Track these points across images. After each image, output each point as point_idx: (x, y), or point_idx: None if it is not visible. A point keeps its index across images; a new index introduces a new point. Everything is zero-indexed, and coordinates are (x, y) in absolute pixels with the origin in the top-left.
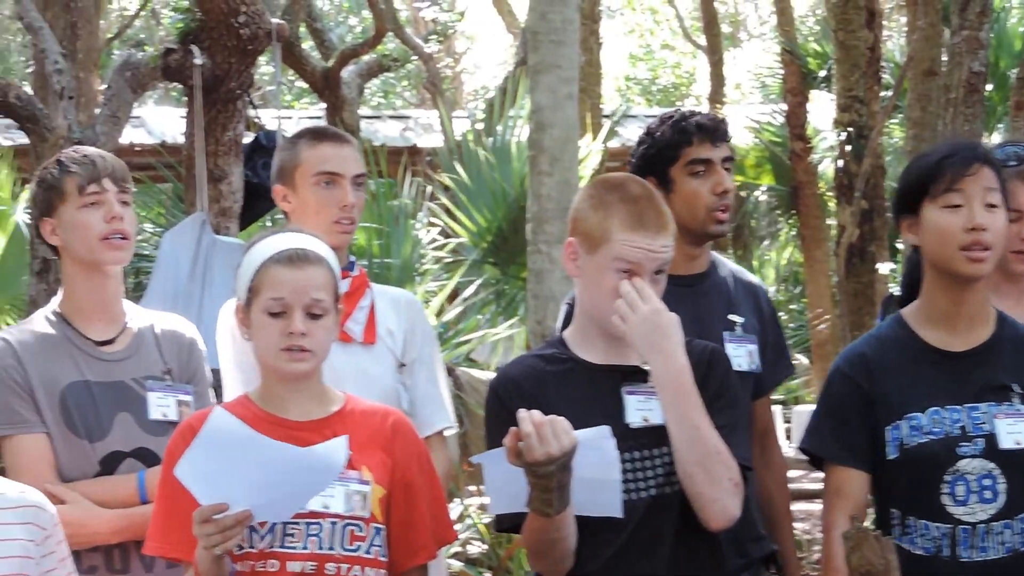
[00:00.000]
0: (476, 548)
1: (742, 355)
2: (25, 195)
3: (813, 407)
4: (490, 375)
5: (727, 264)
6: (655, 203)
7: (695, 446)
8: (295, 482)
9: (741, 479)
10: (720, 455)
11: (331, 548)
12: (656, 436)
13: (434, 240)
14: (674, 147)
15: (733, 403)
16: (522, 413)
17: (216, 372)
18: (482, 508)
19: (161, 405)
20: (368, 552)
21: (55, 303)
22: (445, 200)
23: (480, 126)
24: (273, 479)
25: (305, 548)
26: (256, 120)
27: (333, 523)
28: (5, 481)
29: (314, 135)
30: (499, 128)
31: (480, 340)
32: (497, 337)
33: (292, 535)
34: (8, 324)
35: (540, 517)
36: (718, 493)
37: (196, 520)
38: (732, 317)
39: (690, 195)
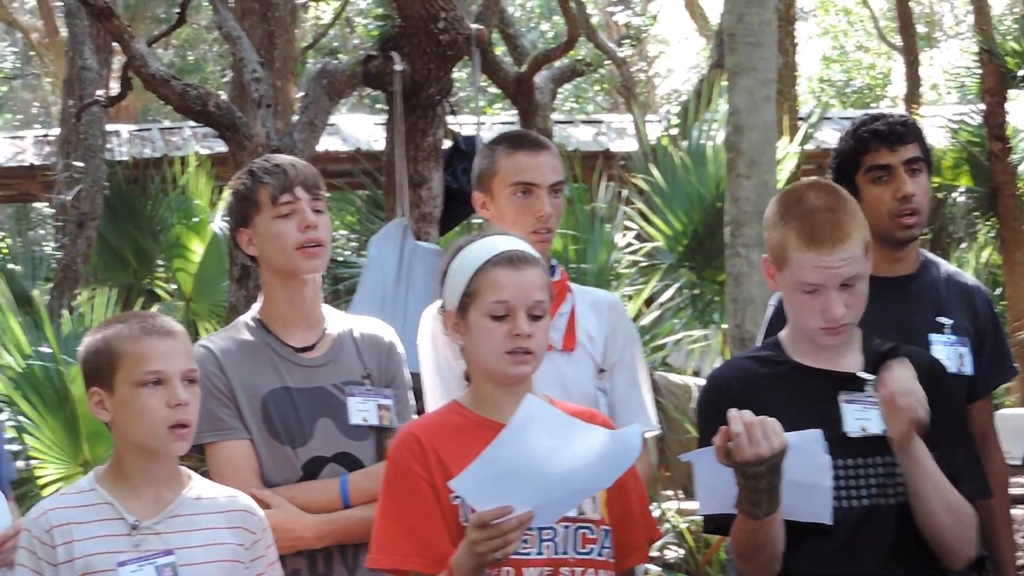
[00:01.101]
0: (674, 553)
1: (951, 357)
2: (223, 203)
3: (1017, 411)
4: (687, 380)
5: (943, 266)
6: (834, 214)
7: (942, 503)
8: (587, 475)
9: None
10: (963, 508)
11: (565, 552)
12: (872, 446)
13: (629, 244)
14: (854, 155)
15: (960, 424)
16: (732, 412)
17: (416, 376)
18: (680, 512)
19: (362, 410)
20: (600, 554)
21: (255, 310)
22: (640, 204)
23: (675, 130)
24: (570, 470)
25: (540, 553)
26: (455, 126)
27: (566, 527)
28: (215, 485)
29: (511, 143)
30: (694, 131)
31: (676, 345)
32: (693, 342)
33: (526, 541)
34: (208, 330)
35: (749, 519)
36: (963, 544)
37: (475, 525)
38: (940, 319)
39: (874, 202)
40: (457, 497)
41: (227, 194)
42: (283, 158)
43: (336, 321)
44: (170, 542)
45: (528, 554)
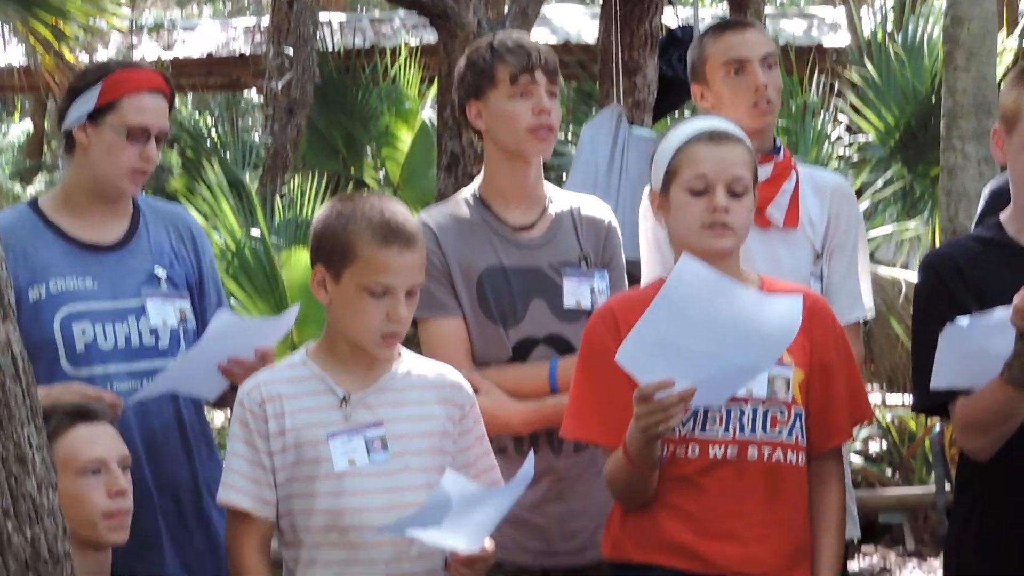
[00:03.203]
0: (877, 446)
1: None
2: (432, 93)
3: None
4: (895, 274)
5: None
6: None
7: None
8: (748, 345)
9: None
10: None
11: (753, 432)
12: None
13: (840, 138)
14: None
15: None
16: None
17: (630, 262)
18: (885, 405)
19: (576, 292)
20: (789, 436)
21: (475, 185)
22: (852, 98)
23: (890, 24)
24: (729, 340)
25: (727, 433)
26: (671, 15)
27: (755, 408)
28: (426, 361)
29: (718, 27)
30: (910, 25)
31: (886, 238)
32: (903, 236)
33: (713, 420)
34: None
35: (1011, 389)
36: None
37: (637, 399)
38: None
39: None
40: None
41: (461, 64)
42: (527, 38)
43: (559, 199)
44: (379, 414)
45: (715, 433)
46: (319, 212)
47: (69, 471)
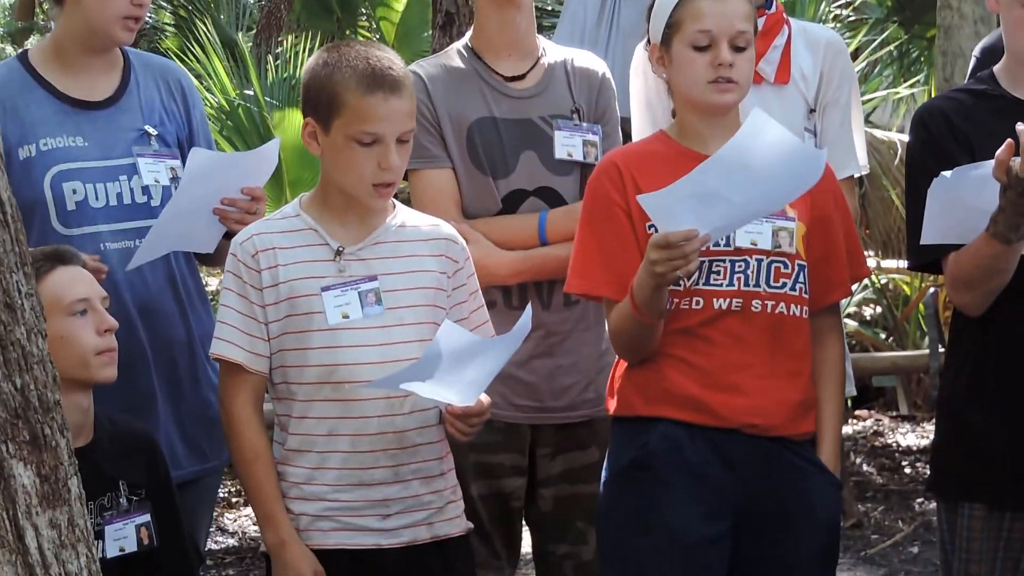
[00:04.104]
0: (871, 310)
1: None
2: None
3: None
4: (891, 136)
5: None
6: None
7: None
8: (774, 196)
9: None
10: None
11: (757, 285)
12: None
13: None
14: None
15: None
16: (1021, 127)
17: (622, 119)
18: (880, 269)
19: (567, 144)
20: (793, 289)
21: (467, 37)
22: None
23: None
24: (764, 191)
25: (731, 285)
26: None
27: (759, 260)
28: (418, 214)
29: None
30: None
31: (882, 101)
32: (899, 98)
33: (718, 272)
34: None
35: (997, 243)
36: None
37: (656, 245)
38: None
39: None
40: (652, 226)
41: None
42: None
43: (552, 52)
44: (373, 268)
45: (719, 285)
46: (307, 62)
47: (57, 313)
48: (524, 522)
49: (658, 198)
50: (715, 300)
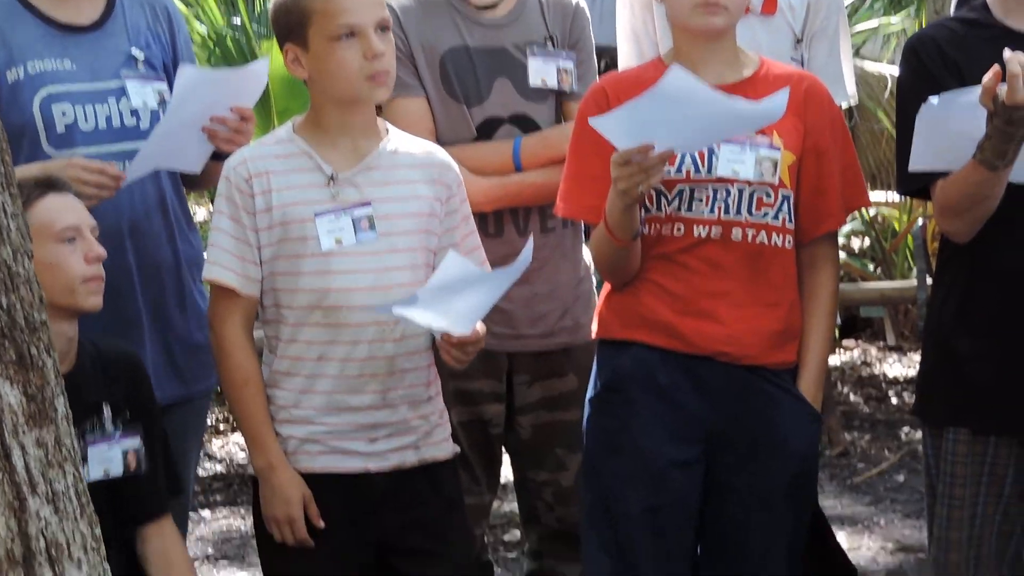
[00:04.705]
0: (860, 242)
1: None
2: None
3: None
4: (881, 68)
5: None
6: None
7: None
8: (724, 128)
9: None
10: None
11: (738, 214)
12: None
13: None
14: None
15: None
16: (1009, 54)
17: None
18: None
19: (541, 72)
20: (775, 218)
21: None
22: None
23: None
24: (708, 126)
25: (712, 213)
26: None
27: (741, 189)
28: (412, 139)
29: None
30: None
31: (872, 33)
32: (890, 30)
33: (699, 200)
34: None
35: (984, 170)
36: None
37: (616, 162)
38: None
39: None
40: None
41: None
42: None
43: None
44: (367, 194)
45: (701, 213)
46: (271, 5)
47: (46, 239)
48: (505, 450)
49: (608, 119)
50: (696, 227)
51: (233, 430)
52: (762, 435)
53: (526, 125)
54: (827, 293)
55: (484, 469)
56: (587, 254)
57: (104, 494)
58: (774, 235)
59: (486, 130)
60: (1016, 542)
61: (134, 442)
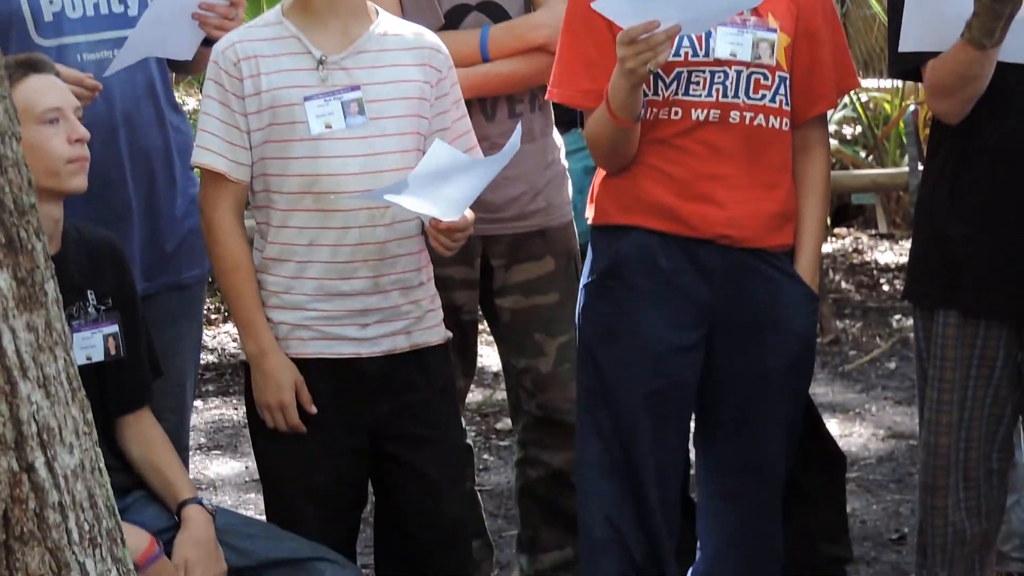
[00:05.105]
0: (851, 129)
1: None
2: None
3: None
4: None
5: None
6: None
7: None
8: (728, 4)
9: None
10: None
11: (736, 96)
12: None
13: None
14: None
15: None
16: None
17: None
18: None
19: None
20: (772, 100)
21: None
22: None
23: None
24: (712, 1)
25: (709, 96)
26: None
27: (738, 71)
28: (402, 22)
29: None
30: None
31: None
32: None
33: (697, 83)
34: None
35: (973, 49)
36: None
37: (622, 42)
38: None
39: None
40: None
41: None
42: None
43: None
44: (356, 78)
45: (698, 96)
46: None
47: (28, 121)
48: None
49: (611, 0)
50: (693, 110)
51: (225, 320)
52: (765, 317)
53: (495, 12)
54: (820, 175)
55: (459, 355)
56: (558, 138)
57: (94, 378)
58: (772, 117)
59: (454, 17)
60: (1006, 425)
61: (113, 328)
